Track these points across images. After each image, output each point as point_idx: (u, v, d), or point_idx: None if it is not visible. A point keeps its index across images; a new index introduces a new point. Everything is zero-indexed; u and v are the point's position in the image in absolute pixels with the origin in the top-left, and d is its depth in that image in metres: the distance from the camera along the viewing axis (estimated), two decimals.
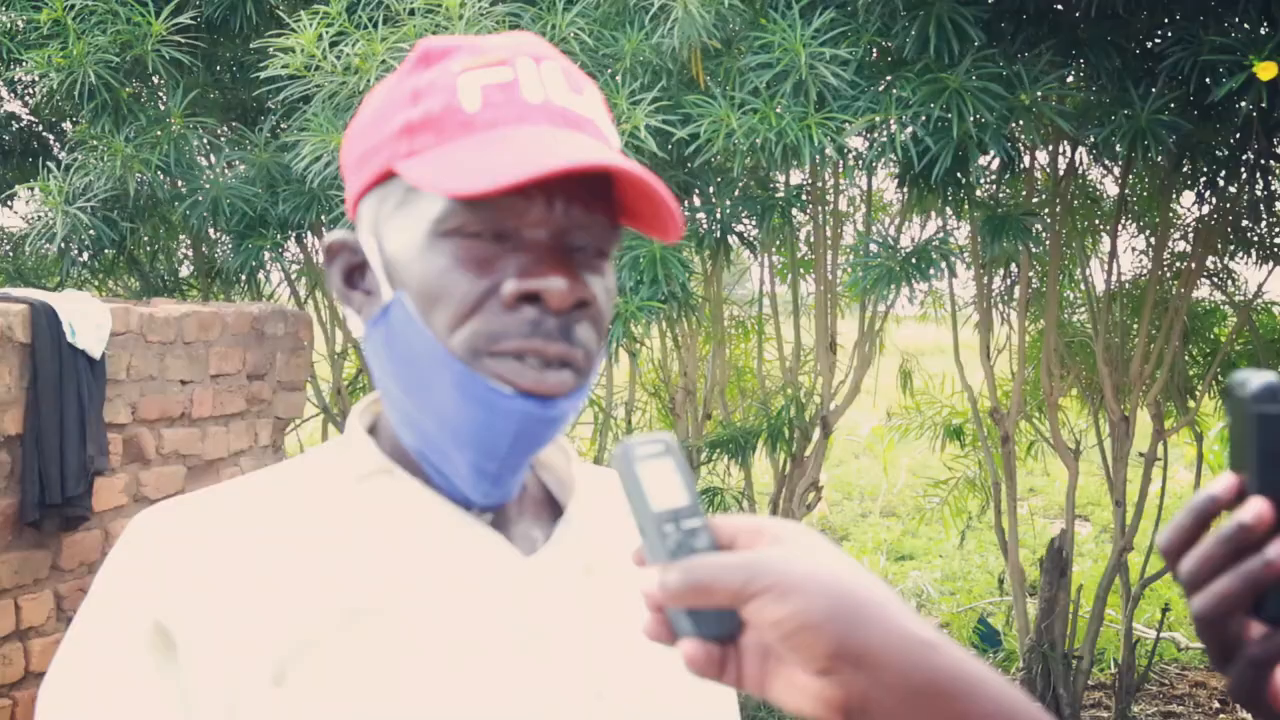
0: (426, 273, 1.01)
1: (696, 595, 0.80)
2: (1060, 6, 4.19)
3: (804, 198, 4.72)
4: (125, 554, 1.05)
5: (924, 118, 3.78)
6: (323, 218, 4.53)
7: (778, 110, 3.66)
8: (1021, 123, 4.20)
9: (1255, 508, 0.82)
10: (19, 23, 4.47)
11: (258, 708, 0.98)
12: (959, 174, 4.24)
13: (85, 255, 4.77)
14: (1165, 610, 6.07)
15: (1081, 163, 5.00)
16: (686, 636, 0.83)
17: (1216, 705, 5.67)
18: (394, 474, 1.09)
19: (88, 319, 3.78)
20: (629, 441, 0.87)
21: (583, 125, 1.04)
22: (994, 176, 4.72)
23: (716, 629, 0.83)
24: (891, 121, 3.89)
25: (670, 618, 0.84)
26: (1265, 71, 3.52)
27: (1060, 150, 4.84)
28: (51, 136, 5.16)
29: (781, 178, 4.60)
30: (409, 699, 1.00)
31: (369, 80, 3.67)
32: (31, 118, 5.25)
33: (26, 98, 5.15)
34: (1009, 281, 5.44)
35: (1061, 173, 4.91)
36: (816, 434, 5.09)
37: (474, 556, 1.06)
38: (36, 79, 4.51)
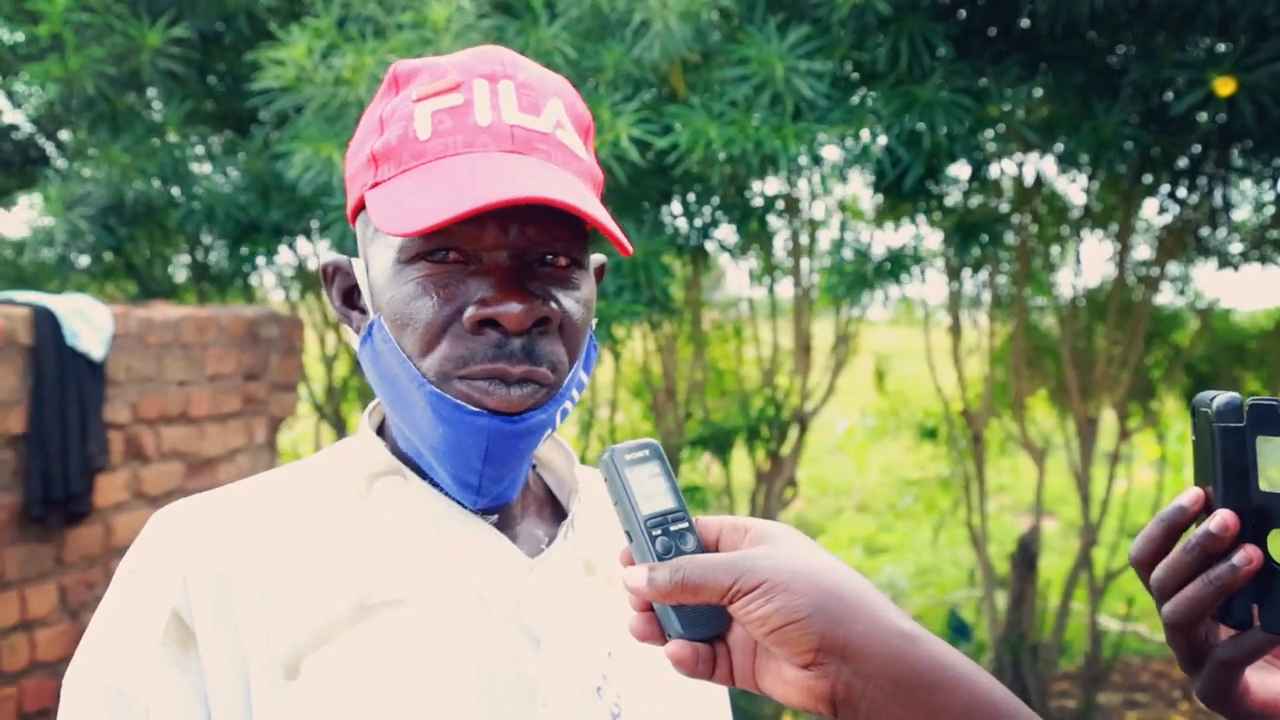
0: (395, 298, 1.05)
1: (685, 593, 0.86)
2: (1027, 23, 4.32)
3: (780, 205, 4.83)
4: (146, 548, 1.08)
5: (896, 129, 3.88)
6: (314, 224, 4.63)
7: (755, 121, 3.74)
8: (990, 134, 4.32)
9: (1221, 517, 0.88)
10: (18, 36, 4.56)
11: (271, 700, 1.03)
12: (930, 183, 4.37)
13: (84, 260, 4.87)
14: (1130, 603, 6.24)
15: (1048, 172, 5.13)
16: (675, 636, 0.89)
17: (1178, 694, 5.83)
18: (404, 474, 1.13)
19: (89, 322, 3.88)
20: (615, 447, 0.92)
21: (533, 144, 1.06)
22: (964, 185, 4.86)
23: (704, 628, 0.89)
24: (865, 132, 4.00)
25: (659, 617, 0.90)
26: (1223, 87, 3.64)
27: (1027, 160, 4.97)
28: (51, 145, 5.24)
29: (759, 186, 4.70)
30: (417, 694, 1.04)
31: (358, 92, 3.76)
32: (31, 127, 5.33)
33: (25, 108, 5.24)
34: (979, 286, 5.56)
35: (1029, 182, 5.04)
36: (794, 432, 5.21)
37: (481, 557, 1.11)
38: (36, 90, 4.59)
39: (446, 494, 1.12)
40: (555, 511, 1.22)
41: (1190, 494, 0.92)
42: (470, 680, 1.06)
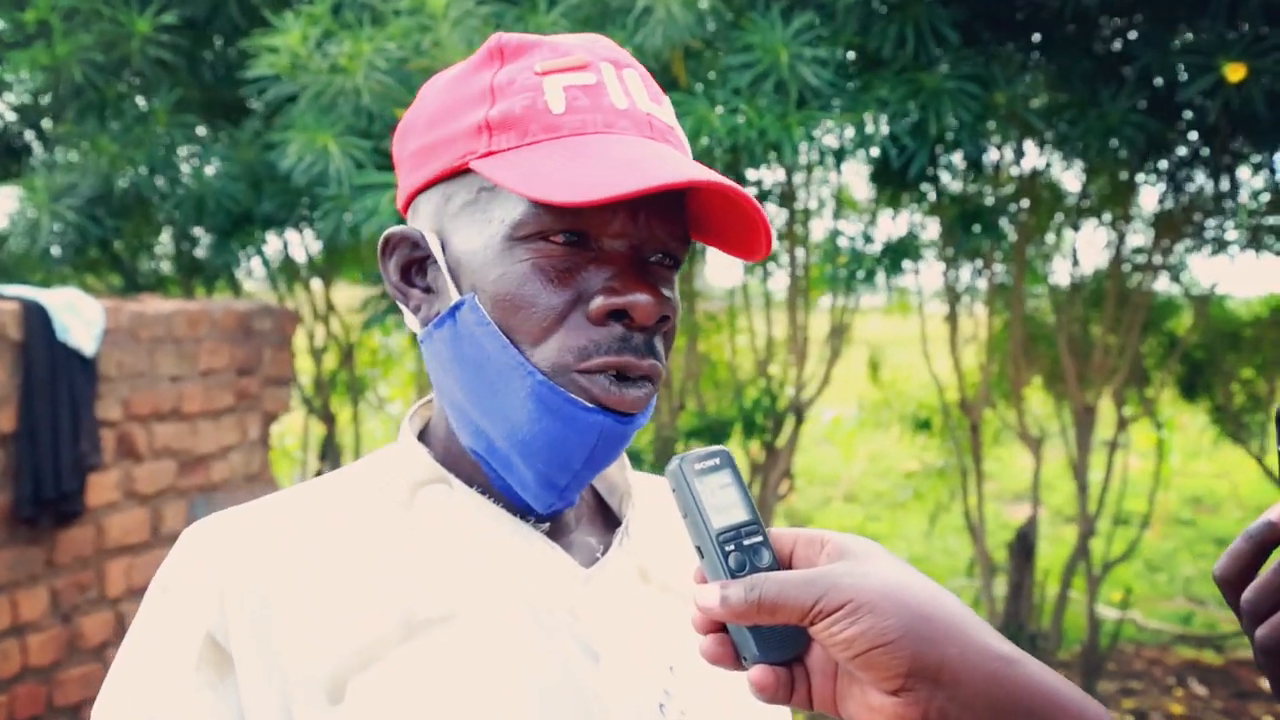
0: (504, 278, 0.98)
1: (762, 613, 0.79)
2: (1035, 8, 4.28)
3: (777, 195, 4.79)
4: (178, 565, 1.02)
5: (901, 117, 3.85)
6: (306, 215, 4.54)
7: (759, 109, 3.69)
8: (994, 122, 4.28)
9: None
10: (2, 23, 4.46)
11: None
12: (931, 171, 4.33)
13: (67, 252, 4.77)
14: (1127, 591, 6.24)
15: (1046, 160, 5.11)
16: (751, 659, 0.81)
17: (1172, 681, 5.83)
18: (450, 482, 1.06)
19: (80, 316, 3.79)
20: (684, 455, 0.85)
21: (666, 135, 1.02)
22: (962, 173, 4.82)
23: (782, 650, 0.82)
24: (869, 120, 3.95)
25: (734, 638, 0.83)
26: (1234, 73, 3.61)
27: (1025, 147, 4.94)
28: (34, 134, 5.13)
29: (754, 175, 4.64)
30: (471, 715, 0.98)
31: (355, 80, 3.68)
32: (13, 116, 5.23)
33: (9, 97, 5.13)
34: (975, 275, 5.53)
35: (1027, 170, 5.01)
36: (789, 423, 5.17)
37: (533, 568, 1.04)
38: (21, 78, 4.49)
39: (496, 500, 1.06)
40: (606, 519, 1.16)
41: (1278, 509, 0.84)
42: (527, 698, 0.99)
